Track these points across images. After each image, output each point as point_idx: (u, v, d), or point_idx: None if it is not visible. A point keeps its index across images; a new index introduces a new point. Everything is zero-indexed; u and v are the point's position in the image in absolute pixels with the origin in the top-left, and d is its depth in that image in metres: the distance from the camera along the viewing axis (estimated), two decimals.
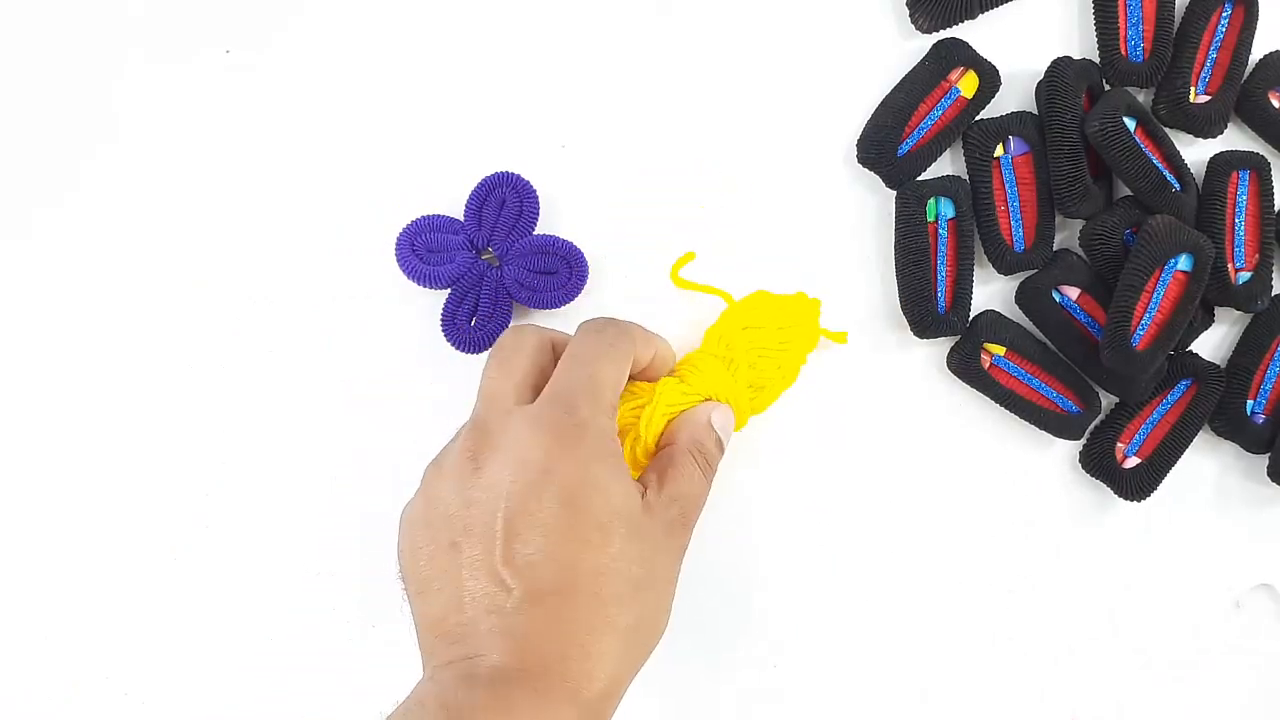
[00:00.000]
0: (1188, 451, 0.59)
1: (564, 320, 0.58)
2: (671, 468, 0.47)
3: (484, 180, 0.58)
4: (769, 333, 0.55)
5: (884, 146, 0.59)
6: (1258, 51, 0.61)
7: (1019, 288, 0.59)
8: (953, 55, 0.60)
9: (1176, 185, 0.58)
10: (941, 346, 0.60)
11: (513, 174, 0.58)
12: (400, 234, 0.58)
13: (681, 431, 0.49)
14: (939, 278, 0.59)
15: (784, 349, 0.56)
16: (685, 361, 0.55)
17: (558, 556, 0.42)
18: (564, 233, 0.59)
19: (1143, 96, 0.61)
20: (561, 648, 0.41)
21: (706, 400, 0.53)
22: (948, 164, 0.61)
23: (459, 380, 0.56)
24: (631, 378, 0.50)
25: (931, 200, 0.59)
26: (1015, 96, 0.61)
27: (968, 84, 0.60)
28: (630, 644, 0.44)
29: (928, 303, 0.58)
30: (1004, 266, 0.59)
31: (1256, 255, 0.59)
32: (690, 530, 0.47)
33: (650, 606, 0.44)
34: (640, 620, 0.44)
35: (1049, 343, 0.59)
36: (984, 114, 0.60)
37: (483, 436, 0.45)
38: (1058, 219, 0.60)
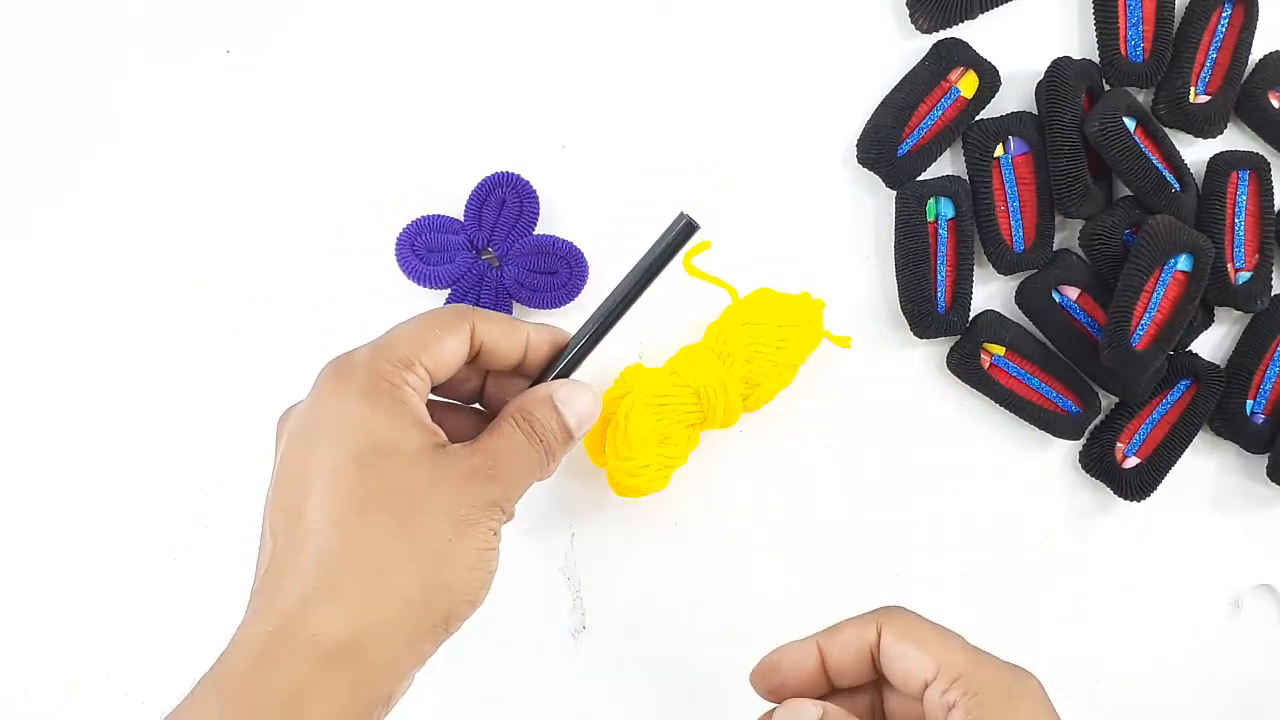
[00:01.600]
0: (1188, 451, 0.59)
1: (564, 320, 0.58)
2: (489, 427, 0.44)
3: (484, 180, 0.58)
4: (769, 330, 0.55)
5: (884, 146, 0.59)
6: (1258, 51, 0.61)
7: (1019, 288, 0.59)
8: (953, 55, 0.60)
9: (1176, 185, 0.58)
10: (941, 346, 0.60)
11: (513, 174, 0.58)
12: (400, 234, 0.58)
13: (516, 399, 0.45)
14: (939, 278, 0.59)
15: (783, 348, 0.56)
16: (681, 353, 0.55)
17: (308, 494, 0.40)
18: (564, 233, 0.59)
19: (1143, 96, 0.61)
20: (303, 590, 0.38)
21: (688, 388, 0.53)
22: (948, 164, 0.61)
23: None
24: (513, 372, 0.47)
25: (931, 200, 0.59)
26: (1015, 96, 0.61)
27: (968, 84, 0.60)
28: (391, 586, 0.39)
29: (928, 303, 0.58)
30: (1004, 266, 0.59)
31: (1256, 255, 0.59)
32: (501, 486, 0.42)
33: (423, 549, 0.40)
34: (407, 560, 0.40)
35: (1049, 343, 0.59)
36: (984, 114, 0.60)
37: None
38: (1058, 219, 0.60)
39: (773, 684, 0.43)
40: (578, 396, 0.45)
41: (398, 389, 0.41)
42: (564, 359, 0.47)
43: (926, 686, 0.39)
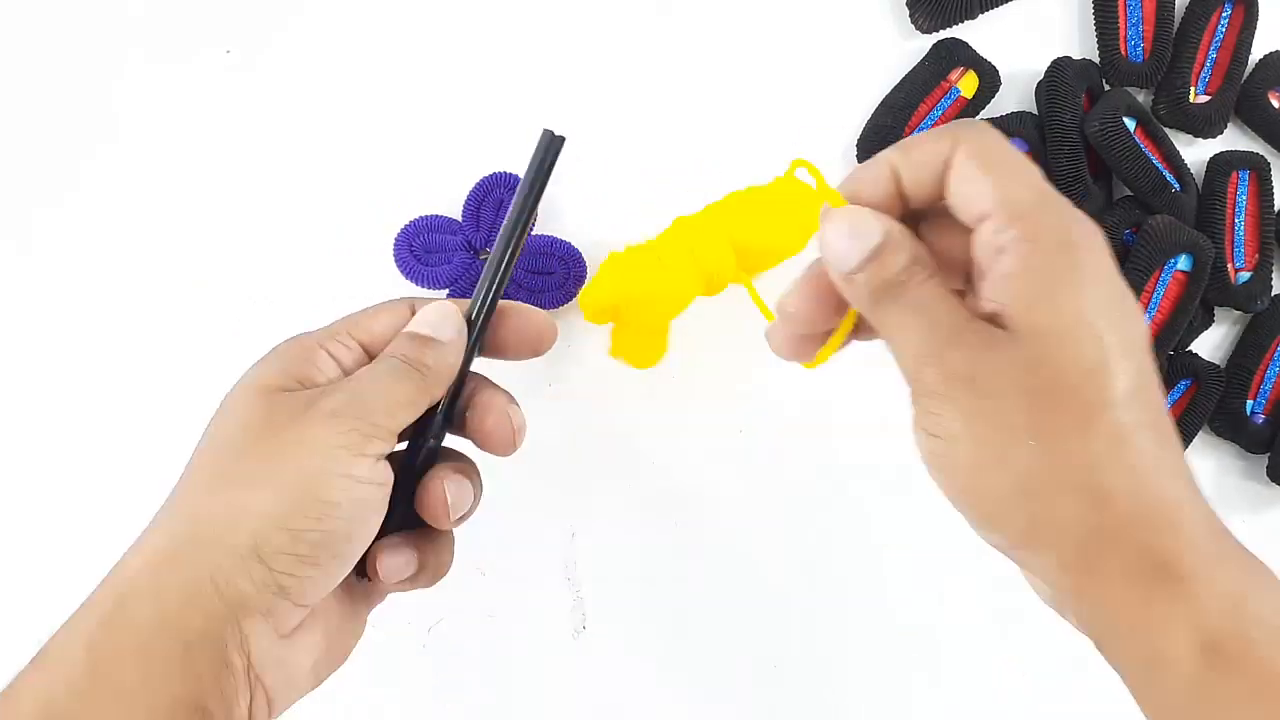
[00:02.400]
0: (1188, 451, 0.59)
1: (563, 320, 0.58)
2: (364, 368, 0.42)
3: (482, 181, 0.58)
4: (753, 199, 0.52)
5: (884, 146, 0.59)
6: (1258, 51, 0.61)
7: None
8: (953, 55, 0.60)
9: (1176, 185, 0.58)
10: None
11: (511, 174, 0.58)
12: (398, 235, 0.58)
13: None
14: None
15: (776, 215, 0.52)
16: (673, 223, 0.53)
17: (218, 419, 0.42)
18: (562, 233, 0.59)
19: (1143, 96, 0.61)
20: (206, 484, 0.41)
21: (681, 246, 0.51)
22: None
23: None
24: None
25: None
26: (1015, 96, 0.61)
27: (968, 84, 0.60)
28: (279, 520, 0.38)
29: None
30: None
31: (1256, 255, 0.59)
32: (369, 421, 0.40)
33: (297, 473, 0.38)
34: (285, 486, 0.38)
35: None
36: (984, 114, 0.60)
37: None
38: None
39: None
40: (430, 314, 0.43)
41: (310, 349, 0.42)
42: (475, 306, 0.44)
43: (982, 220, 0.34)
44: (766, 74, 0.61)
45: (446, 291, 0.58)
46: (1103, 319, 0.33)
